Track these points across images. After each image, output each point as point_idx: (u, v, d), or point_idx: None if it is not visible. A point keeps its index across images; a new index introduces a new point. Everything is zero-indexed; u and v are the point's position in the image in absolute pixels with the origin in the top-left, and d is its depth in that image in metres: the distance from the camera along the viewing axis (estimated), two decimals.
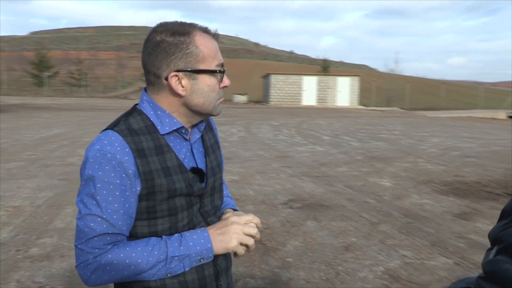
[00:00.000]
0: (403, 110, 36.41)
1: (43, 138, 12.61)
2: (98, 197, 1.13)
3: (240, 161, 9.48)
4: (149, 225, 1.22)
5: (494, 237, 0.90)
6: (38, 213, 5.45)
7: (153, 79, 1.23)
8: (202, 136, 1.36)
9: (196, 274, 1.24)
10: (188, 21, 1.25)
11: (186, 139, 1.29)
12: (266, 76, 41.33)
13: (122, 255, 1.15)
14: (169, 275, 1.19)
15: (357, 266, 4.03)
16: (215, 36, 1.26)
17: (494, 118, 28.55)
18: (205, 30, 1.24)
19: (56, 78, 54.70)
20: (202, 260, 1.22)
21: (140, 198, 1.19)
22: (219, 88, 1.26)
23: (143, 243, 1.18)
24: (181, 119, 1.25)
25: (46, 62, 54.11)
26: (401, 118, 25.89)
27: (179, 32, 1.19)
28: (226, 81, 1.28)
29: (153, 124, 1.23)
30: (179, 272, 1.20)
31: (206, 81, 1.22)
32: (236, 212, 1.39)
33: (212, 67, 1.22)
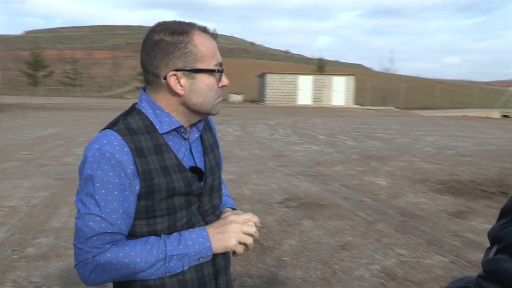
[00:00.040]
0: (398, 109, 36.50)
1: (39, 138, 12.56)
2: (97, 196, 1.14)
3: (236, 160, 9.48)
4: (148, 224, 1.22)
5: (494, 236, 0.90)
6: (34, 213, 5.43)
7: (151, 78, 1.23)
8: (201, 136, 1.36)
9: (195, 273, 1.24)
10: (184, 20, 1.25)
11: (185, 138, 1.29)
12: (262, 76, 41.32)
13: (121, 254, 1.15)
14: (168, 274, 1.19)
15: (353, 265, 4.05)
16: (214, 35, 1.26)
17: (488, 117, 28.69)
18: (204, 30, 1.24)
19: (51, 77, 54.39)
20: (201, 259, 1.22)
21: (139, 197, 1.19)
22: (218, 87, 1.27)
23: (142, 242, 1.18)
24: (179, 118, 1.26)
25: (41, 61, 53.82)
26: (396, 117, 25.97)
27: (177, 31, 1.19)
28: (224, 81, 1.28)
29: (152, 123, 1.23)
30: (178, 271, 1.20)
31: (205, 80, 1.23)
32: (235, 211, 1.39)
33: (211, 66, 1.23)
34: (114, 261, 1.14)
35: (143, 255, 1.16)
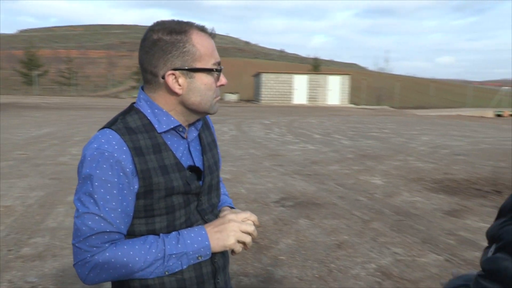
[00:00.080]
0: (393, 109, 36.60)
1: (34, 137, 12.50)
2: (95, 196, 1.14)
3: (232, 159, 9.48)
4: (146, 223, 1.22)
5: (493, 235, 0.90)
6: (29, 212, 5.41)
7: (150, 77, 1.23)
8: (199, 135, 1.36)
9: (193, 272, 1.24)
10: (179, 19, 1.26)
11: (183, 138, 1.29)
12: (257, 75, 41.33)
13: (120, 253, 1.15)
14: (166, 273, 1.19)
15: (349, 264, 4.06)
16: (212, 34, 1.27)
17: (482, 117, 28.81)
18: (202, 29, 1.24)
19: (46, 77, 54.21)
20: (199, 258, 1.22)
21: (138, 196, 1.19)
22: (216, 86, 1.27)
23: (140, 241, 1.18)
24: (178, 117, 1.26)
25: (35, 60, 53.61)
26: (391, 117, 26.04)
27: (176, 30, 1.19)
28: (222, 80, 1.28)
29: (150, 122, 1.23)
30: (176, 270, 1.20)
31: (203, 79, 1.23)
32: (233, 209, 1.39)
33: (209, 65, 1.23)
34: (113, 260, 1.15)
35: (142, 254, 1.16)
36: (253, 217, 1.33)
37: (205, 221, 1.30)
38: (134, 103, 1.29)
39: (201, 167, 1.32)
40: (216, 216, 1.35)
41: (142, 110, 1.25)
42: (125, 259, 1.15)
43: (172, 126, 1.24)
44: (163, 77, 1.20)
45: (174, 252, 1.18)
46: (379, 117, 25.55)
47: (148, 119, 1.23)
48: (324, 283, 3.67)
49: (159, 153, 1.21)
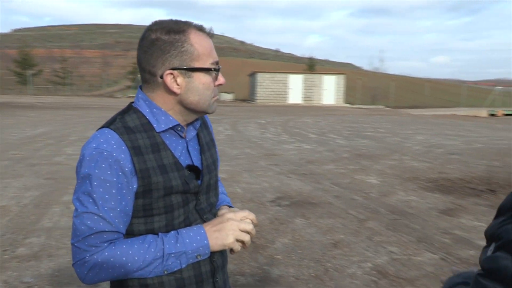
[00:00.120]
0: (388, 108, 36.71)
1: (29, 137, 12.44)
2: (94, 195, 1.14)
3: (228, 159, 9.48)
4: (145, 222, 1.22)
5: (492, 234, 0.90)
6: (24, 212, 5.39)
7: (148, 77, 1.23)
8: (197, 134, 1.37)
9: (192, 271, 1.25)
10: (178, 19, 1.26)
11: (181, 137, 1.29)
12: (252, 75, 41.32)
13: (119, 252, 1.15)
14: (165, 272, 1.19)
15: (345, 263, 4.08)
16: (210, 34, 1.27)
17: (476, 116, 28.95)
18: (200, 28, 1.24)
19: (40, 76, 53.99)
20: (198, 257, 1.23)
21: (137, 195, 1.19)
22: (214, 86, 1.27)
23: (139, 241, 1.18)
24: (176, 117, 1.26)
25: (29, 60, 53.35)
26: (386, 116, 26.12)
27: (174, 30, 1.19)
28: (221, 79, 1.29)
29: (149, 122, 1.23)
30: (175, 269, 1.20)
31: (201, 79, 1.23)
32: (231, 208, 1.40)
33: (207, 65, 1.23)
34: (111, 259, 1.15)
35: (140, 253, 1.16)
36: (252, 216, 1.33)
37: (204, 220, 1.30)
38: (132, 102, 1.29)
39: (199, 166, 1.32)
40: (214, 215, 1.36)
41: (140, 109, 1.25)
42: (124, 259, 1.15)
43: (170, 126, 1.24)
44: (162, 77, 1.20)
45: (173, 251, 1.18)
46: (374, 116, 25.62)
47: (146, 118, 1.23)
48: (321, 282, 3.68)
49: (157, 152, 1.22)
